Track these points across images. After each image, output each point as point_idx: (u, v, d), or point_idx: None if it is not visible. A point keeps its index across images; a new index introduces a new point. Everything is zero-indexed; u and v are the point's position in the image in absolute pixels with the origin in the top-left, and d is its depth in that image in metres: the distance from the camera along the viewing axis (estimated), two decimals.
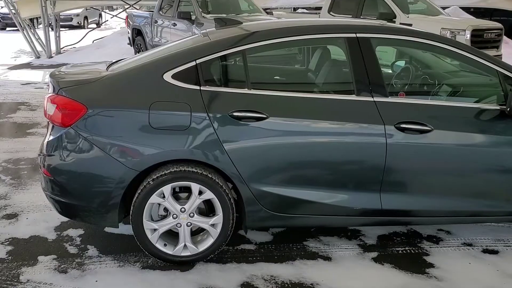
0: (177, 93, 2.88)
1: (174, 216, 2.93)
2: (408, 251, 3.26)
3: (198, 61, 2.95)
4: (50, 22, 14.18)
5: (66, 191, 2.95)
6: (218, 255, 3.11)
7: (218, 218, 2.96)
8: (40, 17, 14.61)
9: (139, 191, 2.88)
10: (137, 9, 14.63)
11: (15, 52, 14.56)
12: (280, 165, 2.96)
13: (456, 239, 3.42)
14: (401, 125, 2.94)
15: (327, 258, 3.15)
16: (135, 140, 2.83)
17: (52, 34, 14.01)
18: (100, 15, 26.33)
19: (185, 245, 2.99)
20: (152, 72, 2.94)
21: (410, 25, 9.40)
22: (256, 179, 2.94)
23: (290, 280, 2.91)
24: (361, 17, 10.41)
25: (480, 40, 9.22)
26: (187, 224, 2.96)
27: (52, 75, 3.13)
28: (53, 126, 2.98)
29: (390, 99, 3.01)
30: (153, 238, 2.95)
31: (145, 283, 2.85)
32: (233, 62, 3.09)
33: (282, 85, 3.30)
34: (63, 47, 14.37)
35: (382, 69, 3.11)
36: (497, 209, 3.20)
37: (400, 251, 3.25)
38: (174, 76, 2.91)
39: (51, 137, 2.94)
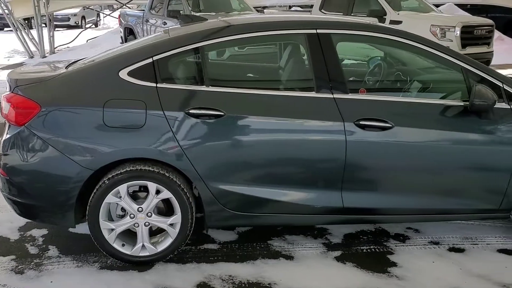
0: (132, 91, 2.84)
1: (132, 216, 2.90)
2: (373, 250, 3.22)
3: (155, 58, 2.91)
4: (45, 22, 14.16)
5: (22, 191, 2.91)
6: (179, 255, 3.07)
7: (177, 218, 2.92)
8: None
9: (94, 191, 2.84)
10: (129, 8, 14.59)
11: (8, 52, 14.55)
12: (239, 163, 2.92)
13: (424, 238, 3.37)
14: (360, 122, 2.90)
15: (290, 257, 3.11)
16: (89, 139, 2.80)
17: (46, 33, 13.99)
18: (98, 15, 26.32)
19: (143, 245, 2.95)
20: (108, 69, 2.91)
21: (400, 22, 9.39)
22: (215, 178, 2.91)
23: (248, 280, 2.87)
24: (351, 14, 10.36)
25: (470, 36, 9.15)
26: (145, 224, 2.92)
27: (9, 74, 3.10)
28: (9, 125, 2.94)
29: (350, 96, 2.96)
30: (110, 238, 2.91)
31: (101, 284, 2.82)
32: (191, 59, 3.05)
33: (241, 82, 3.26)
34: (57, 47, 14.34)
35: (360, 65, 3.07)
36: (465, 207, 3.15)
37: (364, 250, 3.21)
38: (130, 74, 2.87)
39: (7, 136, 2.91)
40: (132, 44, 3.29)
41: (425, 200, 3.09)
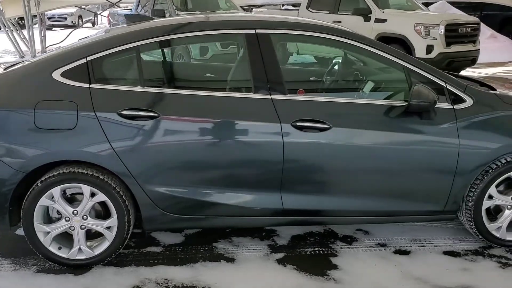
0: (64, 92, 2.81)
1: (67, 218, 2.87)
2: (317, 252, 3.18)
3: (89, 58, 2.88)
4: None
5: None
6: (120, 258, 3.05)
7: (113, 221, 2.89)
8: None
9: (28, 193, 2.81)
10: (119, 7, 14.58)
11: None
12: (175, 166, 2.89)
13: (371, 239, 3.33)
14: (297, 123, 2.86)
15: (231, 260, 3.08)
16: (21, 141, 2.77)
17: (37, 33, 14.00)
18: (96, 14, 26.32)
19: (80, 249, 2.92)
20: (41, 70, 2.88)
21: (385, 20, 9.34)
22: (152, 181, 2.87)
23: (183, 283, 2.84)
24: (338, 13, 10.31)
25: (454, 34, 9.08)
26: (80, 227, 2.89)
27: None
28: None
29: (288, 97, 2.92)
30: (45, 241, 2.88)
31: (33, 287, 2.79)
32: (126, 59, 3.01)
33: (178, 82, 3.21)
34: (48, 46, 14.33)
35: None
36: (410, 209, 3.11)
37: (308, 252, 3.17)
38: (63, 74, 2.84)
39: None
40: (71, 45, 3.25)
41: (369, 202, 3.05)
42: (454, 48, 9.06)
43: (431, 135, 2.97)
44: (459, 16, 10.32)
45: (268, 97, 2.89)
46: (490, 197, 3.10)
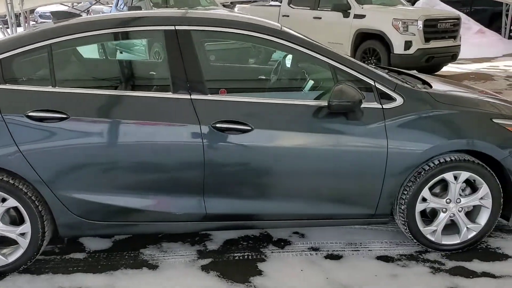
0: None
1: None
2: (246, 257, 3.06)
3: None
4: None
5: None
6: (39, 265, 2.94)
7: (26, 227, 2.78)
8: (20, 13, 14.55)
9: None
10: (104, 4, 14.46)
11: None
12: (88, 170, 2.78)
13: (305, 243, 3.22)
14: (217, 125, 2.73)
15: (154, 267, 2.97)
16: None
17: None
18: (88, 11, 26.19)
19: None
20: None
21: (364, 16, 9.21)
22: (63, 186, 2.76)
23: None
24: (318, 9, 10.17)
25: (433, 30, 8.93)
26: None
27: None
28: None
29: (209, 97, 2.79)
30: None
31: None
32: (37, 58, 2.88)
33: (91, 81, 3.08)
34: None
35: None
36: (340, 212, 3.00)
37: (237, 257, 3.06)
38: None
39: None
40: None
41: (297, 205, 2.94)
42: (434, 44, 8.91)
43: (357, 136, 2.85)
44: (439, 11, 10.16)
45: (188, 97, 2.77)
46: (424, 199, 2.98)
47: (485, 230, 3.06)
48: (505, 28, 13.70)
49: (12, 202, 2.75)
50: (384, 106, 2.88)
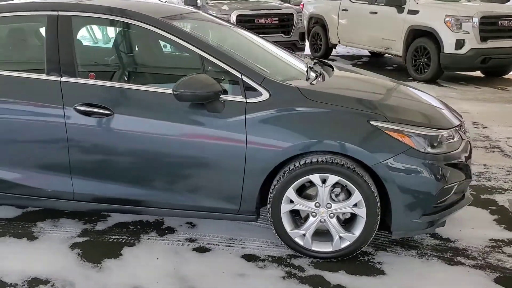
0: None
1: None
2: (120, 240, 3.14)
3: None
4: None
5: None
6: None
7: None
8: None
9: None
10: None
11: None
12: None
13: (187, 234, 3.22)
14: (78, 107, 2.85)
15: (33, 238, 3.16)
16: None
17: None
18: None
19: None
20: None
21: (417, 12, 8.69)
22: None
23: None
24: (375, 3, 9.75)
25: (493, 28, 8.14)
26: None
27: None
28: None
29: (77, 80, 2.92)
30: None
31: None
32: None
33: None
34: None
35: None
36: (205, 205, 2.95)
37: (111, 240, 3.15)
38: None
39: None
40: None
41: (160, 194, 2.96)
42: (492, 44, 8.12)
43: (216, 128, 2.78)
44: (499, 7, 9.16)
45: (58, 79, 2.91)
46: (292, 201, 2.83)
47: (360, 241, 2.82)
48: None
49: None
50: (248, 100, 2.78)
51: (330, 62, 3.81)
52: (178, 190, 2.92)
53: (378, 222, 2.80)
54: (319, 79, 3.14)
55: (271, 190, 2.83)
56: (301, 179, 2.77)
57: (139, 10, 2.98)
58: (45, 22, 2.99)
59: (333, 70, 3.49)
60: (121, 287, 2.66)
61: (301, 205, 2.83)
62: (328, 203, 2.80)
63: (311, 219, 2.85)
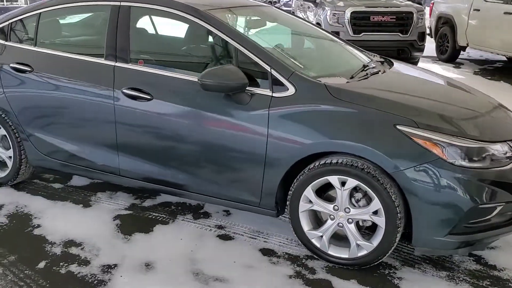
0: None
1: None
2: (157, 217, 3.35)
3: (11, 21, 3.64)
4: None
5: None
6: (33, 187, 3.80)
7: (10, 152, 3.65)
8: None
9: None
10: None
11: None
12: (40, 115, 3.46)
13: (219, 221, 3.32)
14: (125, 91, 3.10)
15: (87, 206, 3.52)
16: None
17: None
18: None
19: None
20: None
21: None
22: (30, 126, 3.51)
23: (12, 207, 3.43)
24: (510, 3, 8.89)
25: None
26: None
27: None
28: None
29: (128, 66, 3.16)
30: None
31: None
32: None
33: (52, 45, 3.62)
34: None
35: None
36: (227, 194, 3.02)
37: (150, 216, 3.36)
38: None
39: None
40: None
41: (188, 178, 3.09)
42: None
43: (240, 120, 2.82)
44: None
45: (113, 64, 3.19)
46: (311, 201, 2.78)
47: (379, 251, 2.67)
48: None
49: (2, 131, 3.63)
50: (274, 94, 2.78)
51: (394, 61, 3.61)
52: (203, 176, 3.02)
53: (399, 235, 2.62)
54: (367, 77, 3.01)
55: (291, 188, 2.79)
56: (320, 179, 2.70)
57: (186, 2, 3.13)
58: (109, 12, 3.27)
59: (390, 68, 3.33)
60: (134, 260, 2.83)
61: (319, 206, 2.76)
62: (347, 208, 2.69)
63: (329, 221, 2.76)
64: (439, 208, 2.50)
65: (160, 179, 3.19)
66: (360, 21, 8.79)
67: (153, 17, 3.52)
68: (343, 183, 2.66)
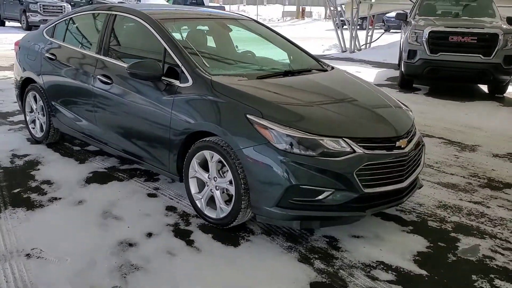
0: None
1: None
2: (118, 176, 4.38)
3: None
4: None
5: None
6: (70, 151, 5.16)
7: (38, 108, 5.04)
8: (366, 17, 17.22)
9: None
10: None
11: (330, 45, 17.54)
12: (56, 91, 4.76)
13: (156, 184, 4.22)
14: (98, 77, 4.22)
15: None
16: None
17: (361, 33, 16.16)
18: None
19: None
20: None
21: None
22: (55, 99, 4.84)
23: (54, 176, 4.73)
24: None
25: None
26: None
27: None
28: None
29: (106, 58, 4.27)
30: None
31: None
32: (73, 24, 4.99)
33: (68, 40, 4.84)
34: (363, 45, 16.36)
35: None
36: (148, 156, 3.92)
37: (118, 176, 4.41)
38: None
39: None
40: None
41: (123, 142, 4.11)
42: None
43: (157, 102, 3.69)
44: None
45: (99, 57, 4.34)
46: (196, 170, 3.56)
47: (232, 215, 3.29)
48: None
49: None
50: (180, 85, 3.63)
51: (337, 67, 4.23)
52: (131, 140, 4.00)
53: (245, 203, 3.24)
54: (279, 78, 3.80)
55: (185, 159, 3.59)
56: (199, 152, 3.45)
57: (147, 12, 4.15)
58: (107, 18, 4.43)
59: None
60: (75, 198, 3.86)
61: (200, 174, 3.51)
62: (215, 177, 3.40)
63: (205, 187, 3.50)
64: (266, 182, 3.09)
65: (116, 145, 4.21)
66: (438, 40, 8.81)
67: (126, 23, 4.56)
68: (212, 157, 3.39)
